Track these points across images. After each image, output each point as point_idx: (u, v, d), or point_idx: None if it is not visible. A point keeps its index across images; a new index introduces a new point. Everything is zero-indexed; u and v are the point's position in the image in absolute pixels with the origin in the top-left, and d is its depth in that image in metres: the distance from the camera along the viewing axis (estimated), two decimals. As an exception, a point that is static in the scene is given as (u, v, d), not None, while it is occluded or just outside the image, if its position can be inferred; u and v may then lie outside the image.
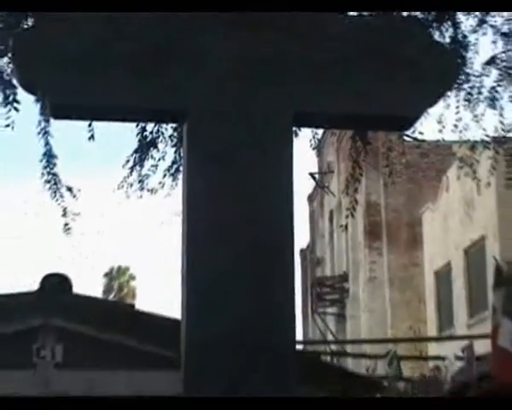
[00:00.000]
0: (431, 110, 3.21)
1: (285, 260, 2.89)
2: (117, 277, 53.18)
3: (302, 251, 41.13)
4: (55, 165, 9.68)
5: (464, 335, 21.43)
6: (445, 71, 2.97)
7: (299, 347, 16.57)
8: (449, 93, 10.01)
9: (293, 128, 3.22)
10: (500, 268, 6.38)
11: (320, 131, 13.25)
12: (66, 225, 9.78)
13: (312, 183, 37.57)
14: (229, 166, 2.87)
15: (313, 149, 11.53)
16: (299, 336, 27.02)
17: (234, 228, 2.85)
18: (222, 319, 2.82)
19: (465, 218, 26.36)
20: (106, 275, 53.11)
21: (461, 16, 9.49)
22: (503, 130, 10.38)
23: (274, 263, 2.87)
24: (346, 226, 32.38)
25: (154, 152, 9.86)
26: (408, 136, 11.87)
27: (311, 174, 35.73)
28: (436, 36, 8.14)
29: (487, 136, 10.84)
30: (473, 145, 11.64)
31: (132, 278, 53.72)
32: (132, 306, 7.96)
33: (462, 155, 12.46)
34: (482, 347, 8.68)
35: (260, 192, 2.87)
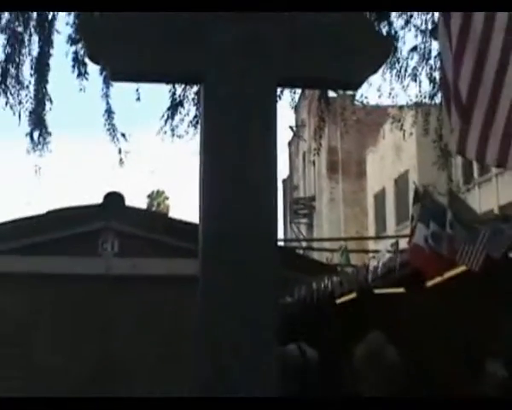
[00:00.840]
0: (373, 82, 3.19)
1: (271, 184, 2.88)
2: (156, 197, 52.94)
3: (284, 180, 41.15)
4: (113, 118, 9.65)
5: (393, 235, 21.55)
6: (381, 51, 2.96)
7: (280, 244, 16.67)
8: (385, 70, 9.95)
9: (278, 92, 3.18)
10: (417, 189, 6.37)
11: (296, 97, 13.16)
12: (121, 160, 9.78)
13: (291, 133, 37.49)
14: (233, 117, 2.84)
15: (292, 108, 11.53)
16: (281, 237, 27.13)
17: (236, 161, 2.83)
18: (226, 220, 2.82)
19: (395, 157, 26.35)
20: (148, 196, 52.87)
21: (394, 18, 9.42)
22: (420, 96, 10.40)
23: (263, 187, 2.85)
24: (314, 162, 32.39)
25: (181, 109, 9.83)
26: (357, 100, 11.83)
27: (291, 127, 35.62)
28: (376, 28, 8.05)
29: (411, 100, 10.86)
30: (401, 107, 11.64)
31: (166, 198, 53.50)
32: (167, 215, 7.86)
33: (393, 113, 12.44)
34: (404, 244, 8.73)
35: (255, 136, 2.84)
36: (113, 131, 9.56)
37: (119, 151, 9.63)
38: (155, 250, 6.64)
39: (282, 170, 40.89)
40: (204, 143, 2.86)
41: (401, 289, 7.50)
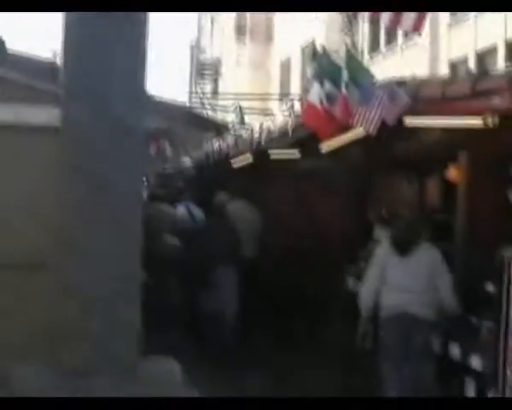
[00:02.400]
0: None
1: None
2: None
3: (191, 46, 40.38)
4: None
5: (294, 94, 21.46)
6: None
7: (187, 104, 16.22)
8: None
9: None
10: (315, 49, 6.20)
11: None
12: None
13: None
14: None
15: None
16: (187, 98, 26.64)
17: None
18: (88, 59, 2.59)
19: (304, 23, 26.02)
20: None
21: None
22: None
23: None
24: (214, 22, 31.67)
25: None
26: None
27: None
28: None
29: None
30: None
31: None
32: (52, 61, 7.30)
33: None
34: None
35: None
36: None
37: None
38: (38, 98, 6.23)
39: (190, 32, 39.96)
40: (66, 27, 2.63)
41: (295, 152, 7.42)
